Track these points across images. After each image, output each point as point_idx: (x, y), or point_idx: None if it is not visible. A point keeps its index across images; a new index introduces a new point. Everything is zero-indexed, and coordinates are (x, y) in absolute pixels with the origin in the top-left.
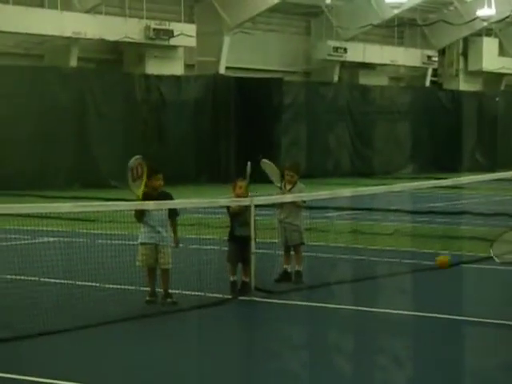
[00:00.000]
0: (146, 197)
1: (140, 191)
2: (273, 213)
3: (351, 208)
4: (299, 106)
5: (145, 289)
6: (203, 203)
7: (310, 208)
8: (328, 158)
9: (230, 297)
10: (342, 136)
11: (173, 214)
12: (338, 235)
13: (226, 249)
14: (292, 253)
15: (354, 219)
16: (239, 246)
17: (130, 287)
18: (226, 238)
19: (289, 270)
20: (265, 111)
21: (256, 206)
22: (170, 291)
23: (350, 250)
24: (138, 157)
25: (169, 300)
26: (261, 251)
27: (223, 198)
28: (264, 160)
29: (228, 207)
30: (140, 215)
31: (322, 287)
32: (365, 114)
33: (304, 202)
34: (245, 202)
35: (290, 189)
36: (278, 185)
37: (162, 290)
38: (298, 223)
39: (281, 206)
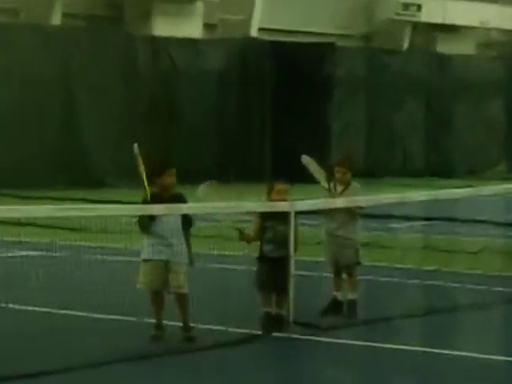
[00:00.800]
0: (154, 199)
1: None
2: (318, 222)
3: (424, 217)
4: (356, 79)
5: (148, 321)
6: (227, 208)
7: (370, 216)
8: (394, 150)
9: (260, 333)
10: (412, 121)
11: (187, 222)
12: (406, 252)
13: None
14: (344, 276)
15: (427, 232)
16: (271, 267)
17: (128, 318)
18: (256, 255)
19: (339, 299)
20: (311, 86)
21: (297, 213)
22: (189, 323)
23: (422, 273)
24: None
25: (187, 334)
26: (302, 273)
27: (254, 202)
28: (304, 156)
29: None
30: (146, 223)
31: (383, 322)
32: (444, 92)
33: (361, 208)
34: (282, 207)
35: (342, 191)
36: (326, 186)
37: (172, 322)
38: (352, 237)
39: (330, 213)
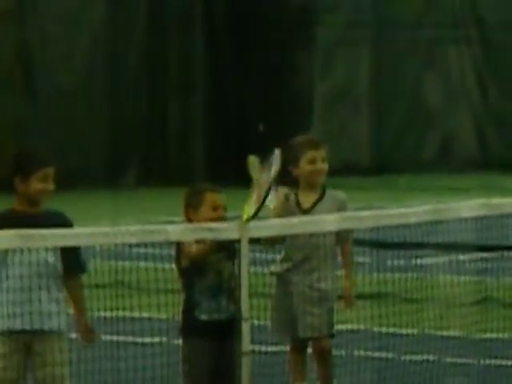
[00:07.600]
0: (6, 221)
1: None
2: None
3: (480, 246)
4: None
5: None
6: (132, 233)
7: (381, 246)
8: (423, 128)
9: None
10: (456, 77)
11: (75, 264)
12: (456, 309)
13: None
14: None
15: (484, 273)
16: (212, 343)
17: None
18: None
19: None
20: (279, 24)
21: (253, 240)
22: None
23: (477, 346)
24: None
25: None
26: (263, 349)
27: (177, 224)
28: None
29: (178, 252)
30: None
31: None
32: (507, 28)
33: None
34: (226, 229)
35: (313, 204)
36: (272, 195)
37: None
38: (325, 286)
39: (291, 244)
